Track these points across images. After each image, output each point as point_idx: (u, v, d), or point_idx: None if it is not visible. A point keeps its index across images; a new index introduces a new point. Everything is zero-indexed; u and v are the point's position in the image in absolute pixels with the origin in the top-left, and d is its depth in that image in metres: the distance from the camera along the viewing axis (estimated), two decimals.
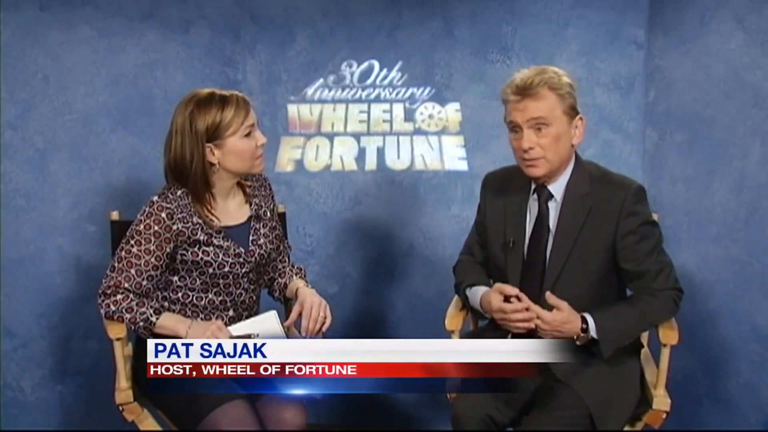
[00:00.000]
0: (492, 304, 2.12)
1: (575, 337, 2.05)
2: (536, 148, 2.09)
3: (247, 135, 2.13)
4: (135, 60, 2.91)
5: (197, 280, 2.17)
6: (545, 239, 2.17)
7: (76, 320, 2.92)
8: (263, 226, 2.27)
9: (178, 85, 2.90)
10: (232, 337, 2.09)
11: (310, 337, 2.20)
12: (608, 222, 2.11)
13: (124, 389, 2.17)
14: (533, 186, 2.20)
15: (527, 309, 2.05)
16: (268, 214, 2.30)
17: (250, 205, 2.25)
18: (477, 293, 2.23)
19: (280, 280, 2.36)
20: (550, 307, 2.05)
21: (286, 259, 2.40)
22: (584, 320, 2.06)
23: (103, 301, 2.12)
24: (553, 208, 2.17)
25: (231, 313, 2.22)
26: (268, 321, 2.15)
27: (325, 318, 2.19)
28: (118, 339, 2.14)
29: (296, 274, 2.36)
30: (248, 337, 2.10)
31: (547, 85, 2.07)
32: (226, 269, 2.17)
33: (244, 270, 2.20)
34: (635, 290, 2.15)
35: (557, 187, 2.17)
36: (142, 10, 2.90)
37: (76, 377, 2.97)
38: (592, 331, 2.05)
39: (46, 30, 2.82)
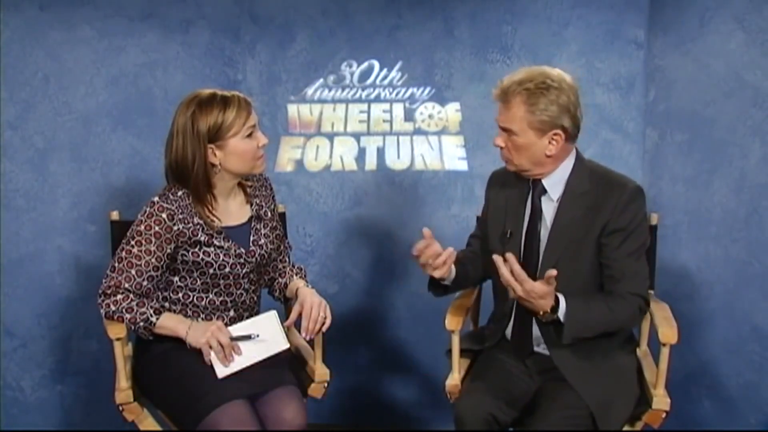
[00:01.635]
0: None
1: (540, 313, 2.04)
2: (504, 149, 2.16)
3: (249, 136, 2.14)
4: (135, 60, 2.91)
5: (198, 280, 2.17)
6: (538, 233, 2.18)
7: (76, 320, 2.92)
8: (264, 226, 2.27)
9: (178, 85, 2.90)
10: (232, 338, 2.09)
11: (310, 338, 2.20)
12: (601, 219, 2.12)
13: (124, 389, 2.17)
14: (531, 181, 2.21)
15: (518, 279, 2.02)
16: (269, 214, 2.30)
17: (251, 205, 2.25)
18: None
19: (280, 280, 2.36)
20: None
21: (287, 259, 2.41)
22: (556, 300, 2.04)
23: (103, 301, 2.12)
24: (549, 204, 2.18)
25: (231, 313, 2.22)
26: (268, 321, 2.15)
27: (325, 318, 2.19)
28: (118, 339, 2.14)
29: (296, 274, 2.36)
30: (248, 337, 2.11)
31: (521, 97, 2.07)
32: (227, 270, 2.17)
33: (244, 270, 2.20)
34: (606, 289, 2.15)
35: (552, 183, 2.17)
36: (142, 10, 2.89)
37: (76, 377, 2.97)
38: (561, 313, 2.04)
39: (46, 30, 2.82)
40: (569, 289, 2.10)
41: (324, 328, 2.20)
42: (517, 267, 2.00)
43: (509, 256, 2.02)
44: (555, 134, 2.09)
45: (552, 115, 2.07)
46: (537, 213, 2.19)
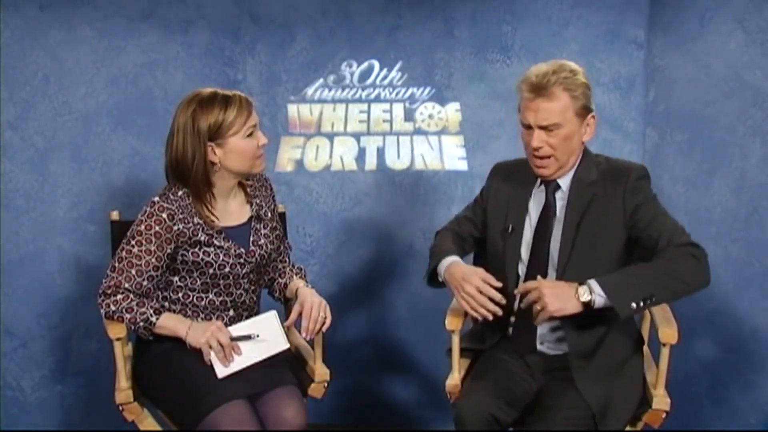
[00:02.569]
0: (471, 280, 2.11)
1: (578, 298, 1.97)
2: (545, 147, 2.10)
3: (249, 135, 2.14)
4: (135, 60, 2.91)
5: (198, 280, 2.17)
6: (551, 228, 2.17)
7: (76, 320, 2.92)
8: (264, 226, 2.27)
9: (178, 85, 2.91)
10: (232, 338, 2.09)
11: (310, 338, 2.20)
12: (614, 204, 2.10)
13: (124, 389, 2.17)
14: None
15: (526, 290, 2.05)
16: (269, 214, 2.30)
17: (251, 205, 2.25)
18: (447, 261, 2.22)
19: (280, 280, 2.36)
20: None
21: (287, 260, 2.41)
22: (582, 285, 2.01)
23: (103, 301, 2.12)
24: (560, 198, 2.18)
25: (231, 313, 2.22)
26: (268, 321, 2.15)
27: (325, 318, 2.19)
28: (118, 339, 2.13)
29: (296, 274, 2.36)
30: (248, 337, 2.11)
31: (563, 85, 2.06)
32: (227, 270, 2.17)
33: (244, 270, 2.20)
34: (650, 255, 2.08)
35: (564, 179, 2.18)
36: (142, 10, 2.90)
37: (76, 377, 2.97)
38: (598, 292, 1.96)
39: (46, 30, 2.82)
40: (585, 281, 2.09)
41: (324, 329, 2.20)
42: (529, 283, 2.05)
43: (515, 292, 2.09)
44: (591, 117, 2.13)
45: (587, 98, 2.11)
46: (551, 209, 2.18)
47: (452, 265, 2.20)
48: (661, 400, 2.13)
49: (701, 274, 2.04)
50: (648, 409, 2.15)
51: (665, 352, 2.13)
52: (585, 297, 1.98)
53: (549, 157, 2.11)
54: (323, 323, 2.19)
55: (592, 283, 1.99)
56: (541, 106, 2.07)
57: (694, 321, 2.72)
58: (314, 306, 2.17)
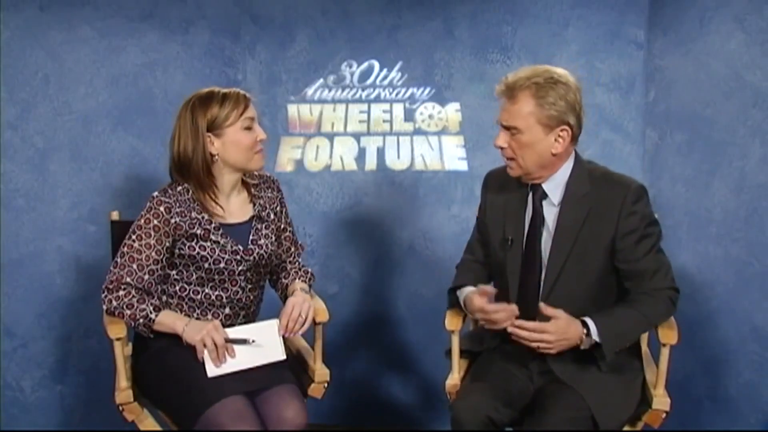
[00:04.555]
0: (474, 304, 2.13)
1: (580, 342, 2.04)
2: (507, 149, 2.10)
3: (247, 128, 2.16)
4: (135, 60, 2.91)
5: (193, 274, 2.18)
6: (540, 237, 2.16)
7: (76, 320, 2.93)
8: (265, 227, 2.27)
9: (178, 85, 2.91)
10: (227, 339, 2.09)
11: (288, 335, 2.17)
12: (608, 222, 2.09)
13: (124, 389, 2.17)
14: (530, 184, 2.19)
15: (516, 316, 2.05)
16: (272, 216, 2.30)
17: (254, 205, 2.26)
18: (462, 294, 2.23)
19: (284, 280, 2.36)
20: (545, 319, 2.03)
21: (297, 261, 2.40)
22: (584, 324, 2.04)
23: (106, 296, 2.13)
24: (551, 208, 2.16)
25: (227, 310, 2.22)
26: (268, 329, 2.14)
27: (305, 319, 2.17)
28: (118, 339, 2.14)
29: (300, 277, 2.36)
30: (244, 341, 2.10)
31: (531, 91, 2.04)
32: (222, 265, 2.17)
33: (240, 268, 2.20)
34: (632, 290, 2.13)
35: (552, 186, 2.15)
36: (142, 10, 2.90)
37: (76, 377, 2.97)
38: (594, 335, 2.04)
39: (46, 30, 2.82)
40: (576, 293, 2.10)
41: (302, 330, 2.18)
42: (530, 324, 2.02)
43: (519, 322, 2.03)
44: (562, 130, 2.06)
45: (560, 110, 2.04)
46: (539, 218, 2.16)
47: (465, 299, 2.21)
48: (661, 400, 2.14)
49: (668, 315, 2.17)
50: (648, 409, 2.15)
51: (665, 352, 2.13)
52: (585, 346, 2.06)
53: (513, 159, 2.11)
54: (303, 324, 2.17)
55: (592, 328, 2.04)
56: (506, 107, 2.08)
57: (694, 321, 2.72)
58: (295, 306, 2.17)
